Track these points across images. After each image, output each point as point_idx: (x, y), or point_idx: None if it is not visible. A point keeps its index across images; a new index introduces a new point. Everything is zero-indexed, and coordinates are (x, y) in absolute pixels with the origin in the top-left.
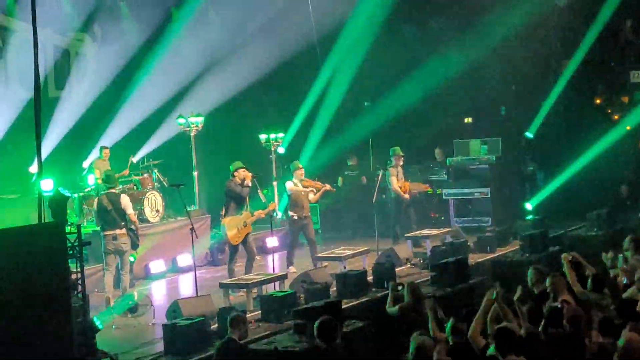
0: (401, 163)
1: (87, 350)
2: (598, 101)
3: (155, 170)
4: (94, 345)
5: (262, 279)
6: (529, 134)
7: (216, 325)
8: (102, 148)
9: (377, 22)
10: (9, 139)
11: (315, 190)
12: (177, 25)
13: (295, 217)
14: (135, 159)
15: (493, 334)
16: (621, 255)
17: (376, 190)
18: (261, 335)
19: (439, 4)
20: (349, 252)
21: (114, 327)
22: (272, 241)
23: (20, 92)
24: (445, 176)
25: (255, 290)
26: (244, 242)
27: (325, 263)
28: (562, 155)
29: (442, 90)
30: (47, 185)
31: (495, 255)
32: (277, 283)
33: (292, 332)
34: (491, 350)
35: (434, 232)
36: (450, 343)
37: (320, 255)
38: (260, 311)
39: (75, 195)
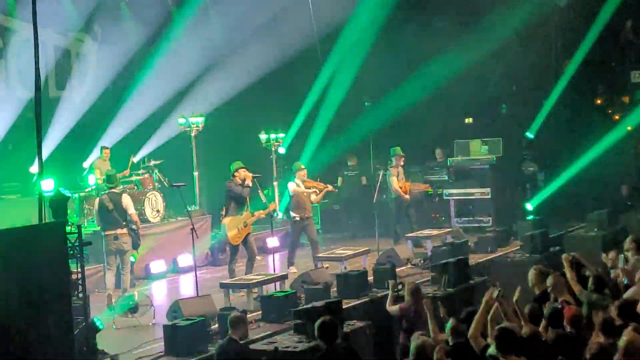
0: (402, 163)
1: (88, 350)
2: (599, 101)
3: (156, 171)
4: (95, 345)
5: (263, 279)
6: (530, 134)
7: (217, 325)
8: (102, 148)
9: (378, 22)
10: (10, 139)
11: (317, 191)
12: (178, 25)
13: (297, 218)
14: (135, 159)
15: (494, 334)
16: (622, 255)
17: (377, 190)
18: (262, 336)
19: (440, 4)
20: (350, 252)
21: (114, 327)
22: (272, 241)
23: (20, 92)
24: (446, 176)
25: (255, 290)
26: (245, 242)
27: (326, 264)
28: (563, 155)
29: (443, 90)
30: (47, 186)
31: (496, 255)
32: (277, 283)
33: (292, 332)
34: (491, 350)
35: (435, 232)
36: (450, 344)
37: (320, 255)
38: (260, 311)
39: (76, 195)
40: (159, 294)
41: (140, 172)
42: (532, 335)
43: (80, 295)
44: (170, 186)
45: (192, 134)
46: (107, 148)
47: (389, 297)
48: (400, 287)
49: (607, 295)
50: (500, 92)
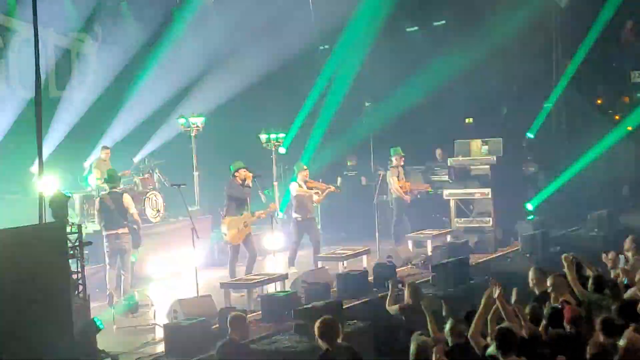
0: (402, 163)
1: (88, 350)
2: (599, 101)
3: (157, 170)
4: (95, 345)
5: (263, 279)
6: (530, 135)
7: (217, 325)
8: (103, 148)
9: (378, 22)
10: (10, 138)
11: (319, 192)
12: (178, 26)
13: (300, 219)
14: (136, 159)
15: (494, 334)
16: (622, 255)
17: (377, 190)
18: (262, 336)
19: (440, 4)
20: (350, 252)
21: (115, 327)
22: (273, 241)
23: (21, 92)
24: (446, 176)
25: (256, 290)
26: (245, 242)
27: (327, 265)
28: (563, 155)
29: (443, 90)
30: (48, 186)
31: (496, 255)
32: (278, 283)
33: (292, 332)
34: (491, 349)
35: (435, 232)
36: (450, 344)
37: (321, 255)
38: (261, 311)
39: (76, 195)
40: (160, 294)
41: (140, 171)
42: (532, 335)
43: (81, 295)
44: (170, 186)
45: (193, 134)
46: (108, 148)
47: (389, 296)
48: (400, 286)
49: (607, 295)
50: (500, 92)
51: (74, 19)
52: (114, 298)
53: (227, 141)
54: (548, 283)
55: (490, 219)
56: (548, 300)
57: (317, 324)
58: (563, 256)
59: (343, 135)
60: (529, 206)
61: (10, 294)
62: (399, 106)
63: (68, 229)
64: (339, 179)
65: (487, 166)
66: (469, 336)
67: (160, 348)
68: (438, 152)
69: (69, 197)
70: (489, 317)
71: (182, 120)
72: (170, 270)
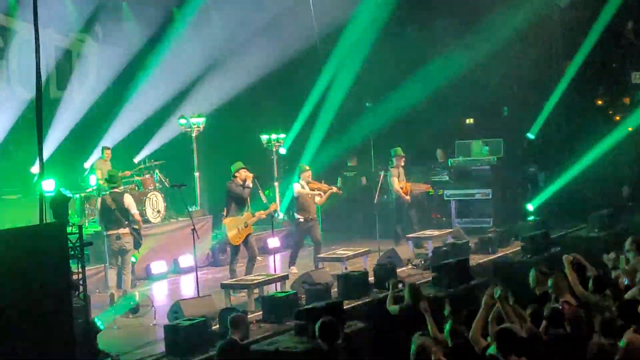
0: (402, 163)
1: (89, 350)
2: (599, 102)
3: (157, 171)
4: (96, 345)
5: (264, 279)
6: (531, 135)
7: (217, 326)
8: (103, 148)
9: (379, 22)
10: (11, 139)
11: (322, 193)
12: (179, 26)
13: (302, 220)
14: (136, 160)
15: (494, 334)
16: (623, 256)
17: (378, 190)
18: (262, 336)
19: (441, 4)
20: (350, 252)
21: (115, 327)
22: (273, 242)
23: (21, 92)
24: (447, 177)
25: (256, 290)
26: (245, 242)
27: (327, 265)
28: (564, 156)
29: (444, 91)
30: (48, 186)
31: (497, 256)
32: (278, 283)
33: (293, 333)
34: (491, 349)
35: (436, 232)
36: (450, 345)
37: (321, 255)
38: (261, 312)
39: (77, 195)
40: (160, 294)
41: (141, 172)
42: (532, 336)
43: (81, 295)
44: (171, 186)
45: (193, 135)
46: (108, 148)
47: (389, 296)
48: (400, 286)
49: (607, 296)
50: (501, 92)
51: (75, 20)
52: (115, 296)
53: (227, 142)
54: (549, 284)
55: (491, 219)
56: (549, 300)
57: (317, 324)
58: (564, 257)
59: (344, 136)
60: (530, 207)
61: (11, 294)
62: (399, 107)
63: (69, 230)
64: (339, 180)
65: (488, 167)
66: (469, 337)
67: (161, 348)
68: (439, 152)
69: (70, 197)
70: (489, 318)
71: (182, 121)
72: (171, 271)
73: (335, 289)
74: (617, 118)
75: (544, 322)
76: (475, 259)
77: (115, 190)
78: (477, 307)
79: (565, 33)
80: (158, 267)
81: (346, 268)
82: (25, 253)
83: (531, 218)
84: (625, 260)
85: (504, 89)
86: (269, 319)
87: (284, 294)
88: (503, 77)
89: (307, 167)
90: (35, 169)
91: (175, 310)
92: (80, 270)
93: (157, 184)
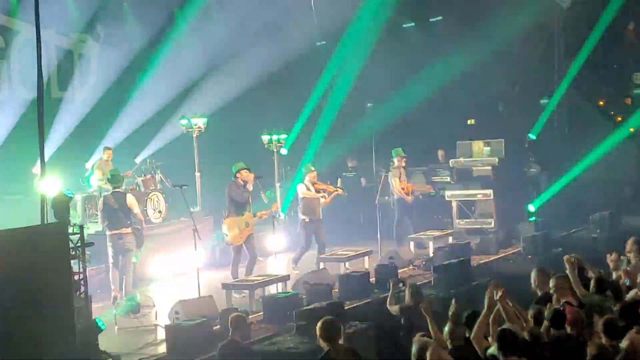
0: (403, 164)
1: (90, 351)
2: (601, 103)
3: (158, 171)
4: (97, 346)
5: (265, 280)
6: (532, 136)
7: (218, 326)
8: (105, 149)
9: (380, 23)
10: (12, 139)
11: (326, 195)
12: (180, 27)
13: (307, 220)
14: (138, 160)
15: (495, 335)
16: (624, 257)
17: (379, 191)
18: (264, 337)
19: (442, 5)
20: (352, 253)
21: (116, 327)
22: (274, 242)
23: (23, 92)
24: (448, 178)
25: (257, 291)
26: (246, 242)
27: (329, 266)
28: (565, 156)
29: (445, 91)
30: (50, 186)
31: (498, 257)
32: (279, 284)
33: (294, 333)
34: (492, 350)
35: (437, 233)
36: (449, 347)
37: (322, 256)
38: (262, 312)
39: (78, 196)
40: (161, 294)
41: (142, 172)
42: (533, 337)
43: (83, 295)
44: (172, 187)
45: (194, 135)
46: (110, 149)
47: (389, 296)
48: (401, 286)
49: (609, 297)
50: (502, 93)
51: (76, 20)
52: (119, 298)
53: (229, 142)
54: (550, 284)
55: (492, 220)
56: (550, 301)
57: (318, 325)
58: (565, 257)
59: (345, 137)
60: (531, 207)
61: (12, 294)
62: (400, 107)
63: (70, 230)
64: (339, 180)
65: (489, 167)
66: (471, 338)
67: (162, 349)
68: (440, 153)
69: (71, 197)
70: (490, 319)
71: (184, 121)
72: (172, 271)
73: (337, 290)
74: (619, 119)
75: (545, 323)
76: (476, 260)
77: (118, 190)
78: (478, 308)
79: (567, 34)
80: (159, 267)
81: (347, 268)
82: (26, 253)
83: (532, 219)
84: (626, 261)
85: (505, 89)
86: (270, 319)
87: (285, 295)
88: (504, 78)
89: (313, 168)
90: (36, 169)
91: (177, 310)
92: (81, 270)
93: (158, 185)
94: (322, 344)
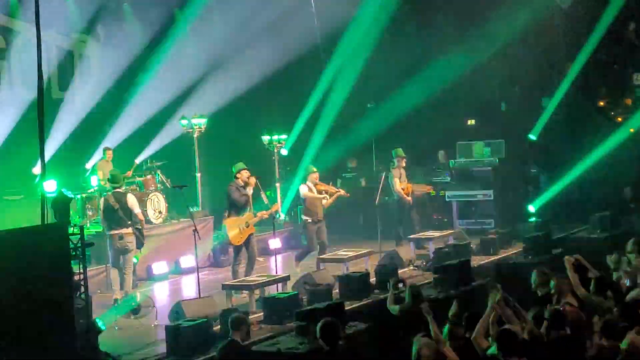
0: (404, 164)
1: (90, 351)
2: (601, 103)
3: (158, 172)
4: (97, 346)
5: (265, 280)
6: (532, 136)
7: (219, 326)
8: (105, 149)
9: (381, 23)
10: (13, 140)
11: (327, 196)
12: (181, 27)
13: (310, 221)
14: (138, 160)
15: (495, 336)
16: (624, 257)
17: (379, 191)
18: (264, 337)
19: (443, 5)
20: (352, 253)
21: (116, 328)
22: (274, 242)
23: (23, 93)
24: (448, 178)
25: (257, 291)
26: (247, 243)
27: (329, 266)
28: (565, 157)
29: (446, 92)
30: (50, 187)
31: (498, 257)
32: (279, 284)
33: (294, 334)
34: (492, 350)
35: (437, 234)
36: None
37: (322, 257)
38: (262, 313)
39: (79, 196)
40: (161, 295)
41: (142, 173)
42: (533, 337)
43: (83, 296)
44: (172, 187)
45: (195, 135)
46: (110, 149)
47: (389, 295)
48: (401, 286)
49: (609, 297)
50: (502, 93)
51: (76, 20)
52: (120, 300)
53: (229, 143)
54: (551, 285)
55: (493, 220)
56: (550, 302)
57: (318, 325)
58: (565, 258)
59: (345, 137)
60: (531, 208)
61: (12, 295)
62: (401, 108)
63: (70, 230)
64: (339, 181)
65: (489, 168)
66: (472, 338)
67: (162, 349)
68: (440, 153)
69: (71, 198)
70: (490, 319)
71: (184, 122)
72: (172, 272)
73: (337, 290)
74: (619, 119)
75: (545, 324)
76: (476, 260)
77: (118, 190)
78: (478, 309)
79: (567, 34)
80: (159, 267)
81: (347, 269)
82: (26, 254)
83: (533, 219)
84: (626, 262)
85: (505, 90)
86: (270, 319)
87: (285, 295)
88: (505, 78)
89: (315, 169)
90: (37, 169)
91: (177, 310)
92: (81, 270)
93: (158, 185)
94: (322, 344)
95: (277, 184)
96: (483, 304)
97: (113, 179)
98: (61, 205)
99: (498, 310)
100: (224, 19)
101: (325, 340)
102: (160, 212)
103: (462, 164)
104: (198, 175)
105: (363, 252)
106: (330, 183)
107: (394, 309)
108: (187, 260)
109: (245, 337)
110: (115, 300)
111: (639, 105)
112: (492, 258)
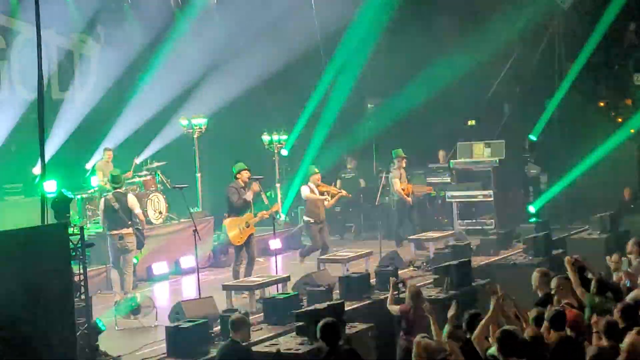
0: (404, 165)
1: (90, 351)
2: (601, 104)
3: (159, 172)
4: (97, 346)
5: (265, 281)
6: (532, 137)
7: (219, 327)
8: (105, 149)
9: (381, 23)
10: (13, 140)
11: (329, 198)
12: (181, 27)
13: (312, 222)
14: (138, 161)
15: (496, 336)
16: (625, 258)
17: (379, 192)
18: (264, 338)
19: (443, 6)
20: (352, 254)
21: (116, 328)
22: (274, 243)
23: (23, 93)
24: (449, 178)
25: (258, 292)
26: (247, 243)
27: (329, 267)
28: (566, 157)
29: (446, 92)
30: (50, 187)
31: (499, 258)
32: (280, 285)
33: (294, 334)
34: (492, 350)
35: (437, 234)
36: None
37: (323, 257)
38: (263, 313)
39: (79, 196)
40: (161, 295)
41: (142, 173)
42: (534, 338)
43: (83, 296)
44: (172, 188)
45: (195, 136)
46: (110, 150)
47: (389, 295)
48: (401, 286)
49: (609, 298)
50: (503, 94)
51: (77, 21)
52: (121, 301)
53: (229, 143)
54: (551, 286)
55: (493, 221)
56: (551, 302)
57: (318, 326)
58: (566, 259)
59: (345, 137)
60: (532, 208)
61: (12, 295)
62: (401, 108)
63: (70, 231)
64: (339, 182)
65: (490, 168)
66: (472, 338)
67: (162, 350)
68: (440, 154)
69: (72, 198)
70: (490, 320)
71: (184, 122)
72: (172, 272)
73: (337, 291)
74: (619, 120)
75: (545, 324)
76: (477, 261)
77: (119, 190)
78: (478, 309)
79: (567, 34)
80: (159, 268)
81: (348, 270)
82: (26, 254)
83: (533, 220)
84: (627, 262)
85: (506, 90)
86: (271, 320)
87: (285, 296)
88: (505, 79)
89: (317, 170)
90: (37, 169)
91: (177, 311)
92: (81, 271)
93: (158, 185)
94: (322, 345)
95: (278, 185)
96: (483, 304)
97: (114, 179)
98: (61, 205)
99: (499, 310)
100: (224, 19)
101: (325, 341)
102: (160, 213)
103: (463, 164)
104: (198, 175)
105: (363, 252)
106: (333, 184)
107: (394, 309)
108: (187, 261)
109: (246, 337)
110: (116, 301)
111: (639, 105)
112: (493, 258)
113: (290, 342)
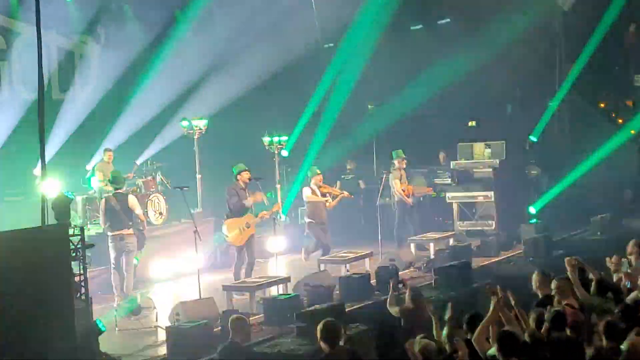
0: (404, 166)
1: (90, 352)
2: (602, 105)
3: (159, 173)
4: (97, 347)
5: (266, 281)
6: (533, 138)
7: (219, 328)
8: (105, 150)
9: (382, 24)
10: (13, 140)
11: (330, 200)
12: (181, 28)
13: (313, 222)
14: (138, 162)
15: (496, 337)
16: (625, 259)
17: (380, 193)
18: (264, 339)
19: (444, 6)
20: (352, 255)
21: (117, 329)
22: (275, 243)
23: (24, 94)
24: (449, 179)
25: (258, 293)
26: (247, 244)
27: (329, 267)
28: (566, 158)
29: (447, 93)
30: (50, 188)
31: (499, 259)
32: (280, 286)
33: (295, 335)
34: (492, 350)
35: (438, 235)
36: (448, 350)
37: (323, 258)
38: (263, 314)
39: (79, 197)
40: (162, 296)
41: (143, 174)
42: (534, 339)
43: (83, 297)
44: (173, 189)
45: (195, 137)
46: (110, 150)
47: (389, 296)
48: (401, 286)
49: (609, 299)
50: (503, 95)
51: (77, 22)
52: (121, 302)
53: (229, 144)
54: (551, 287)
55: (493, 222)
56: (551, 303)
57: (319, 326)
58: (566, 260)
59: (346, 138)
60: (532, 209)
61: (13, 295)
62: (402, 109)
63: (70, 231)
64: (338, 183)
65: (490, 169)
66: (472, 339)
67: (163, 350)
68: (441, 155)
69: (72, 199)
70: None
71: (184, 123)
72: (173, 273)
73: (338, 292)
74: (620, 121)
75: (545, 325)
76: (477, 262)
77: (120, 191)
78: (478, 310)
79: (568, 36)
80: (160, 269)
81: (348, 270)
82: (27, 255)
83: (533, 221)
84: (627, 264)
85: (506, 91)
86: (271, 321)
87: (286, 296)
88: (506, 80)
89: (319, 171)
90: (37, 170)
91: (177, 312)
92: (81, 271)
93: (159, 186)
94: (323, 345)
95: (278, 185)
96: (483, 305)
97: (114, 180)
98: (62, 206)
99: (499, 311)
100: (224, 20)
101: (325, 342)
102: (160, 214)
103: (463, 166)
104: (198, 176)
105: (364, 253)
106: (335, 185)
107: (395, 310)
108: (188, 262)
109: (246, 338)
110: (116, 301)
111: (639, 106)
112: (493, 259)
113: (290, 343)
